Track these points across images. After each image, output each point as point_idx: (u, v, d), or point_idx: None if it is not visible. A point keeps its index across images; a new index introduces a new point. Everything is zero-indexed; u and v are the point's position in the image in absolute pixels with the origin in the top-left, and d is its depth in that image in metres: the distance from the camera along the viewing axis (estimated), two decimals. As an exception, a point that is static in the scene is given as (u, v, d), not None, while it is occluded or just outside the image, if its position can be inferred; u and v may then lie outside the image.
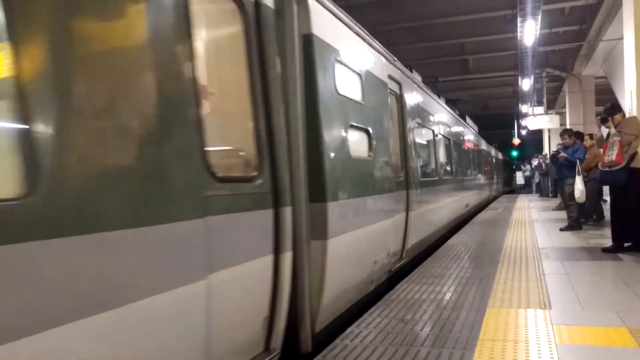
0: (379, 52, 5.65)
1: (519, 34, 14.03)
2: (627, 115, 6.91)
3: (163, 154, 2.19)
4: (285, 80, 3.34)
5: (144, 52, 2.15)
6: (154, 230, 2.07)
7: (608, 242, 6.69)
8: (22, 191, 1.59)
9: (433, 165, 8.62)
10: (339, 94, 4.16)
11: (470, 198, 13.57)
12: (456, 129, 12.11)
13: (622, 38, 8.21)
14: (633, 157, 6.03)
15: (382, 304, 4.27)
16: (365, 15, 13.04)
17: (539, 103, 23.95)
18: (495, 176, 23.80)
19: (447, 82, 21.75)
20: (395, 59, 6.59)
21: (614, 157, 6.01)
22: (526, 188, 29.83)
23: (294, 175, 3.33)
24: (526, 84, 19.66)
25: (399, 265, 5.80)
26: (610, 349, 3.05)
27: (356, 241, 4.32)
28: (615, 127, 6.26)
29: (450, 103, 14.89)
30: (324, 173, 3.68)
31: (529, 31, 13.35)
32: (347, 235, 4.05)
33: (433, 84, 18.79)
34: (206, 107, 2.71)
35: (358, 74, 4.75)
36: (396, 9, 14.45)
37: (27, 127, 1.63)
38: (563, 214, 10.15)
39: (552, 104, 27.24)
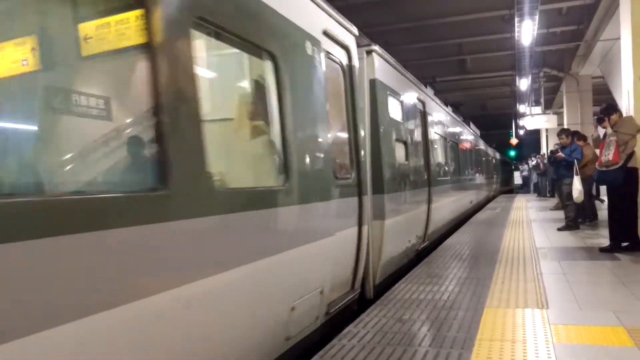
0: (411, 81, 7.48)
1: (516, 34, 14.04)
2: (624, 115, 6.93)
3: (331, 165, 4.07)
4: (360, 110, 4.88)
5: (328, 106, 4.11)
6: (326, 203, 3.91)
7: (605, 242, 6.70)
8: (283, 181, 3.30)
9: (446, 168, 10.31)
10: (390, 117, 5.88)
11: (474, 196, 15.29)
12: (463, 135, 13.97)
13: (619, 38, 8.21)
14: (630, 156, 6.04)
15: (379, 304, 4.27)
16: (363, 16, 13.06)
17: (537, 103, 23.96)
18: (495, 176, 25.20)
19: (444, 82, 21.78)
20: (421, 83, 8.41)
21: (610, 157, 6.02)
22: (524, 188, 29.86)
23: (365, 176, 4.86)
24: (524, 84, 19.68)
25: (422, 246, 7.32)
26: (607, 348, 3.06)
27: (399, 224, 5.94)
28: (612, 127, 6.27)
29: (454, 107, 15.78)
30: (382, 174, 5.35)
31: (527, 31, 13.37)
32: (394, 219, 5.67)
33: (431, 84, 18.84)
34: (332, 133, 4.35)
35: (400, 101, 6.49)
36: (394, 9, 14.45)
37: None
38: (561, 214, 10.16)
39: (550, 104, 27.28)
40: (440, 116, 9.85)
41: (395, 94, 6.24)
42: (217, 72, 3.45)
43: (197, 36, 2.51)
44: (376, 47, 5.61)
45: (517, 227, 9.84)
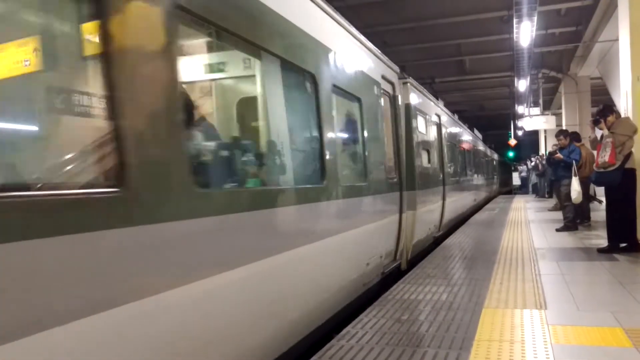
0: (431, 100, 9.59)
1: (515, 35, 14.04)
2: (623, 116, 6.94)
3: (385, 168, 5.86)
4: (400, 127, 6.77)
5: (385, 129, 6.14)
6: (385, 195, 5.61)
7: (604, 243, 6.71)
8: (365, 180, 5.09)
9: (456, 170, 12.27)
10: (419, 131, 7.82)
11: (477, 194, 17.42)
12: (468, 141, 16.14)
13: (617, 39, 8.22)
14: (627, 157, 6.05)
15: (378, 305, 4.27)
16: (361, 16, 13.07)
17: (535, 104, 23.99)
18: (495, 177, 27.17)
19: (443, 83, 21.78)
20: (437, 100, 10.83)
21: (607, 158, 6.03)
22: (522, 189, 29.86)
23: (403, 176, 6.59)
24: (522, 85, 19.69)
25: (438, 234, 9.02)
26: (605, 349, 3.06)
27: (424, 214, 7.62)
28: (609, 129, 6.29)
29: (458, 113, 17.02)
30: (414, 175, 7.07)
31: (525, 32, 13.37)
32: (420, 210, 7.27)
33: (430, 84, 18.84)
34: (387, 144, 6.15)
35: (425, 117, 8.46)
36: (393, 10, 14.44)
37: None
38: (559, 215, 10.18)
39: (548, 104, 27.28)
40: (451, 126, 12.04)
41: (422, 113, 8.22)
42: (339, 114, 4.91)
43: (335, 95, 4.46)
44: (410, 79, 7.52)
45: (515, 227, 9.85)
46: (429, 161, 8.54)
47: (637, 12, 7.14)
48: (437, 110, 9.85)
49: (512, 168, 38.99)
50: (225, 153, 3.47)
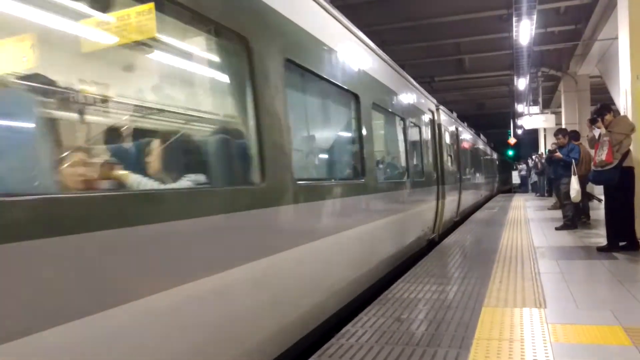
0: (453, 118, 12.93)
1: (514, 34, 14.05)
2: (622, 114, 6.94)
3: (434, 169, 9.27)
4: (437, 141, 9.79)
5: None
6: (432, 187, 8.72)
7: (603, 241, 6.71)
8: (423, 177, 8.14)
9: (467, 169, 15.05)
10: (445, 142, 10.60)
11: (482, 191, 19.66)
12: (476, 145, 18.84)
13: (616, 37, 8.22)
14: (625, 156, 6.05)
15: (377, 303, 4.27)
16: (360, 15, 13.05)
17: (535, 102, 23.98)
18: (497, 176, 29.22)
19: (442, 81, 21.78)
20: (455, 116, 13.96)
21: (604, 157, 6.03)
22: (522, 187, 29.87)
23: (439, 174, 9.42)
24: (522, 83, 19.69)
25: (456, 219, 11.53)
26: (604, 347, 3.06)
27: (449, 203, 10.10)
28: (606, 127, 6.29)
29: (464, 119, 18.33)
30: (443, 174, 9.65)
31: (525, 31, 13.37)
32: (447, 200, 9.84)
33: (429, 83, 18.83)
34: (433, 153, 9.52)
35: (449, 132, 11.50)
36: (392, 8, 14.43)
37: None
38: (558, 213, 10.18)
39: (548, 103, 27.28)
40: (464, 134, 15.09)
41: (448, 129, 11.19)
42: (413, 136, 7.90)
43: (411, 125, 7.63)
44: (441, 107, 10.58)
45: (515, 226, 9.85)
46: (451, 164, 11.52)
47: (637, 11, 7.14)
48: (456, 124, 13.21)
49: (514, 167, 39.01)
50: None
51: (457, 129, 12.94)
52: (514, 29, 13.56)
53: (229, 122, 3.31)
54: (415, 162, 7.81)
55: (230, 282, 2.62)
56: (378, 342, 3.28)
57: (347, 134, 5.34)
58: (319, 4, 4.15)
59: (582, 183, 8.73)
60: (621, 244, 6.36)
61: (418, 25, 15.89)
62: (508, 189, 34.21)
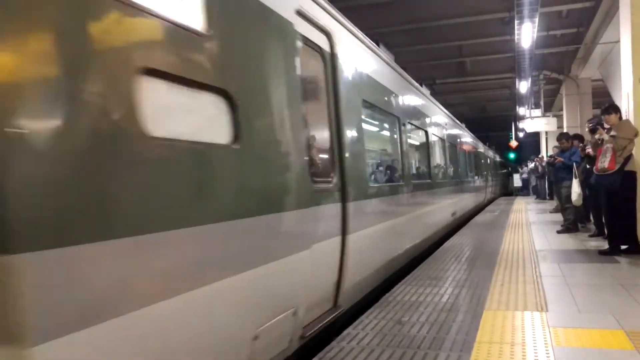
0: (467, 130, 16.37)
1: (516, 37, 14.03)
2: (624, 118, 6.92)
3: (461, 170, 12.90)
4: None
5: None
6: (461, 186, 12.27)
7: (605, 245, 6.70)
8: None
9: (473, 173, 16.59)
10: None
11: (485, 193, 20.43)
12: (479, 149, 19.72)
13: (618, 41, 8.22)
14: (627, 159, 6.04)
15: (378, 306, 4.26)
16: (362, 17, 13.05)
17: (536, 105, 23.95)
18: (500, 180, 30.08)
19: (444, 84, 21.76)
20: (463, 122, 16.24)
21: (606, 164, 6.02)
22: (523, 190, 29.84)
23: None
24: (523, 86, 19.66)
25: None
26: (606, 351, 3.05)
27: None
28: (610, 129, 6.28)
29: (464, 121, 19.22)
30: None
31: (526, 34, 13.36)
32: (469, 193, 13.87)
33: (430, 86, 18.82)
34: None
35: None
36: (393, 11, 14.44)
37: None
38: (560, 217, 10.16)
39: (549, 106, 27.25)
40: (478, 147, 18.11)
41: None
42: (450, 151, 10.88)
43: (451, 146, 11.02)
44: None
45: (516, 229, 9.84)
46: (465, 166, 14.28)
47: (639, 14, 7.13)
48: (469, 136, 16.11)
49: (515, 170, 38.97)
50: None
51: (472, 138, 16.12)
52: (516, 31, 13.53)
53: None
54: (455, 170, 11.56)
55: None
56: (379, 345, 3.28)
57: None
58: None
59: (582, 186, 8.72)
60: (623, 247, 6.35)
61: (420, 27, 15.88)
62: (509, 192, 34.11)
